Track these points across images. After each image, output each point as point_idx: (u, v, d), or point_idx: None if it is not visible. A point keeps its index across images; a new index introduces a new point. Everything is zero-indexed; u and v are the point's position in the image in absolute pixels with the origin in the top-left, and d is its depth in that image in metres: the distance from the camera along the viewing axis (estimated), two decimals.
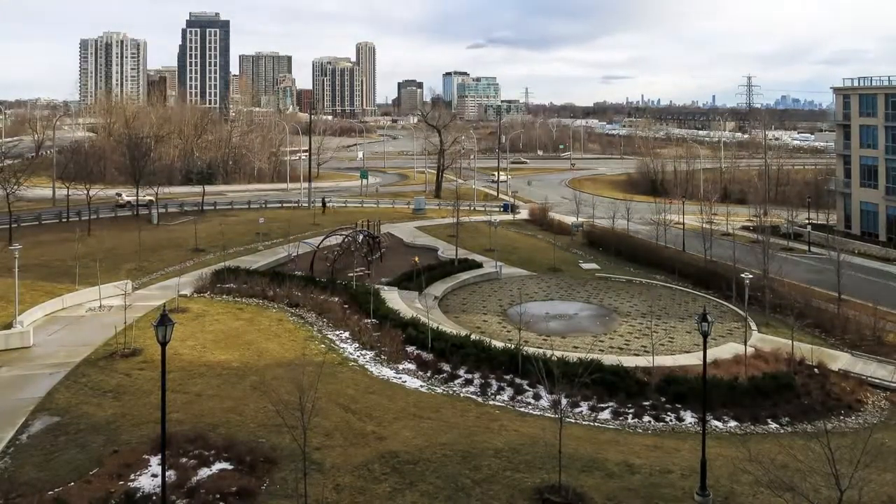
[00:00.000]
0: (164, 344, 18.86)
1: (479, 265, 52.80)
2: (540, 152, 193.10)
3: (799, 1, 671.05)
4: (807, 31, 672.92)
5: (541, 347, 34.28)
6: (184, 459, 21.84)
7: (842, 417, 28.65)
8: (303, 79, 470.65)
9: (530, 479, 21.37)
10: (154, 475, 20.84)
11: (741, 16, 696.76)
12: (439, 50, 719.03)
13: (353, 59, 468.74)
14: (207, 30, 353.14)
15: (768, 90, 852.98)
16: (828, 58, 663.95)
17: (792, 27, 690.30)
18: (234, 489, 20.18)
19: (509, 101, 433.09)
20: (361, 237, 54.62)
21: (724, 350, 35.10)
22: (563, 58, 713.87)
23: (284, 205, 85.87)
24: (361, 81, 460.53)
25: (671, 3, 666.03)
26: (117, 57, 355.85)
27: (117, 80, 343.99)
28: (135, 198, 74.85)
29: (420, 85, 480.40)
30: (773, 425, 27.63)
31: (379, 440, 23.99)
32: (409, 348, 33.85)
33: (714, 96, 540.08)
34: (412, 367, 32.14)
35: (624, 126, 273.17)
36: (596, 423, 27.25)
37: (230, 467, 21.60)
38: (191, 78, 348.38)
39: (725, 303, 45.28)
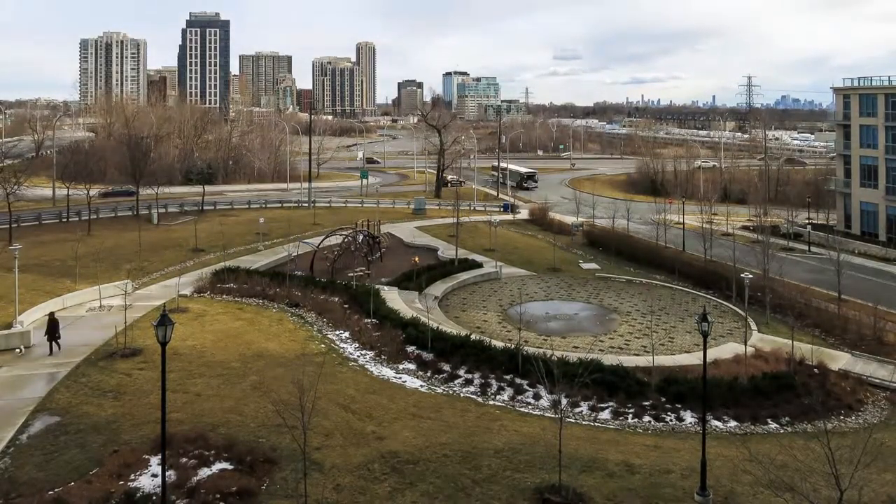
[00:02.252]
0: (164, 344, 18.87)
1: (479, 265, 52.78)
2: (540, 152, 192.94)
3: (825, 23, 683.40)
4: (824, 44, 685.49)
5: (541, 347, 34.28)
6: (184, 459, 21.83)
7: (842, 417, 28.65)
8: (303, 79, 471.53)
9: (530, 479, 21.38)
10: (154, 475, 20.85)
11: (774, 34, 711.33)
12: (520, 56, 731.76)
13: (353, 59, 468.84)
14: (207, 30, 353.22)
15: (768, 90, 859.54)
16: (841, 65, 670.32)
17: (810, 41, 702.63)
18: (234, 489, 20.18)
19: (509, 101, 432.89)
20: (361, 237, 54.63)
21: (724, 350, 35.11)
22: (623, 71, 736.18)
23: (284, 205, 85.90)
24: (361, 81, 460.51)
25: (726, 33, 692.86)
26: (117, 57, 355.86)
27: (117, 80, 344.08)
28: None
29: (420, 85, 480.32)
30: (773, 425, 27.62)
31: (379, 440, 24.00)
32: (409, 348, 33.83)
33: (714, 96, 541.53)
34: (412, 367, 32.14)
35: (624, 126, 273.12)
36: (596, 423, 27.24)
37: (230, 467, 21.60)
38: (191, 78, 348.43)
39: (725, 303, 45.27)
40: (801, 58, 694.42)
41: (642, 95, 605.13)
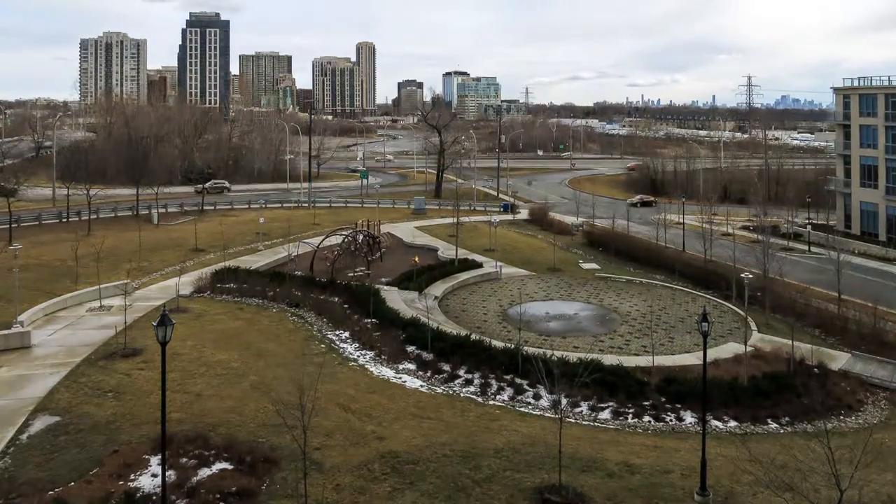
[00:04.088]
0: (164, 344, 18.86)
1: (479, 265, 52.77)
2: (540, 152, 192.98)
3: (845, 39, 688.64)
4: (836, 53, 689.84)
5: (541, 347, 34.27)
6: (184, 459, 21.83)
7: (842, 417, 28.66)
8: (303, 79, 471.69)
9: (530, 479, 21.38)
10: (154, 475, 20.85)
11: (792, 46, 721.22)
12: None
13: (353, 59, 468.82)
14: (207, 30, 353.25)
15: (768, 90, 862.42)
16: (851, 69, 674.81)
17: (824, 51, 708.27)
18: (234, 489, 20.18)
19: (509, 101, 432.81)
20: (361, 237, 54.62)
21: (725, 350, 35.10)
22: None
23: (284, 205, 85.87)
24: (361, 81, 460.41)
25: (751, 47, 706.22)
26: (117, 57, 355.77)
27: (117, 80, 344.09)
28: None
29: (420, 85, 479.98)
30: (773, 425, 27.63)
31: (379, 440, 23.99)
32: (409, 348, 33.83)
33: (714, 96, 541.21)
34: (412, 367, 32.13)
35: (624, 126, 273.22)
36: (596, 423, 27.24)
37: (230, 467, 21.60)
38: (191, 78, 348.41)
39: (725, 303, 45.26)
40: (811, 62, 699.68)
41: (642, 95, 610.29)
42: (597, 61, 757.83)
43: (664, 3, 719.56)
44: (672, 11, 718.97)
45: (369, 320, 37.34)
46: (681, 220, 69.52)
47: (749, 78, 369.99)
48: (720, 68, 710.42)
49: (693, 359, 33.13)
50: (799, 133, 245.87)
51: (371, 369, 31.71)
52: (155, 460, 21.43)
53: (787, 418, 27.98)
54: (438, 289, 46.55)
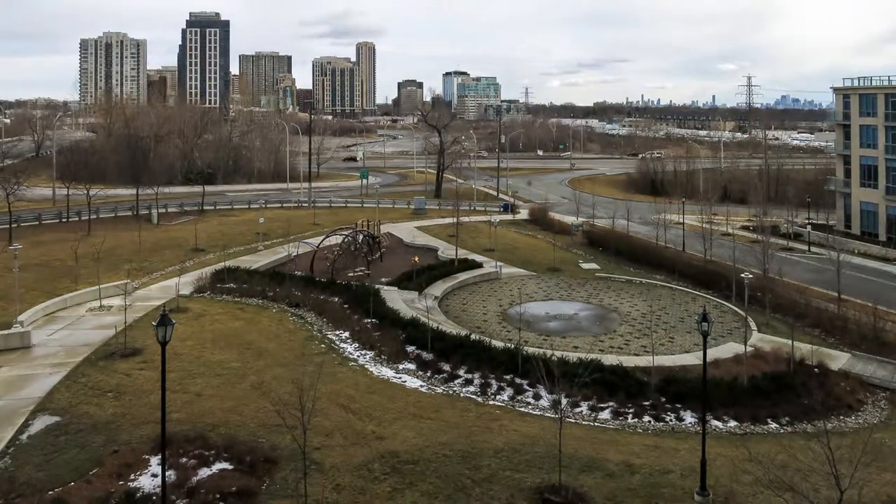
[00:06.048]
0: (164, 344, 18.88)
1: (479, 265, 52.76)
2: (540, 152, 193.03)
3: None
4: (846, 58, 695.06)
5: (541, 347, 34.28)
6: (184, 459, 21.84)
7: (842, 417, 28.64)
8: (303, 79, 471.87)
9: (530, 479, 21.38)
10: (154, 475, 20.86)
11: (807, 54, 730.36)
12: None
13: (353, 59, 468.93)
14: (207, 30, 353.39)
15: (768, 90, 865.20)
16: (860, 70, 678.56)
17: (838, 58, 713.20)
18: (234, 489, 20.19)
19: (509, 101, 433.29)
20: (361, 237, 54.61)
21: (725, 350, 35.09)
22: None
23: (284, 205, 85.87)
24: (361, 81, 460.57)
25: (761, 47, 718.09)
26: (117, 57, 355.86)
27: (117, 80, 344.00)
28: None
29: (420, 85, 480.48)
30: (773, 425, 27.62)
31: (379, 440, 24.00)
32: (409, 348, 33.83)
33: (714, 96, 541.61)
34: (412, 367, 32.13)
35: (624, 126, 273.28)
36: (596, 423, 27.23)
37: (230, 467, 21.61)
38: (191, 78, 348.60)
39: (725, 303, 45.24)
40: (818, 67, 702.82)
41: (642, 95, 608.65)
42: (637, 65, 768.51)
43: (713, 28, 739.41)
44: (718, 32, 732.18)
45: (369, 320, 37.34)
46: (681, 220, 69.50)
47: (749, 78, 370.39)
48: (739, 73, 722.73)
49: (693, 359, 33.14)
50: (799, 133, 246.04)
51: (371, 369, 31.70)
52: (155, 460, 21.44)
53: (787, 418, 27.96)
54: (438, 289, 46.54)
